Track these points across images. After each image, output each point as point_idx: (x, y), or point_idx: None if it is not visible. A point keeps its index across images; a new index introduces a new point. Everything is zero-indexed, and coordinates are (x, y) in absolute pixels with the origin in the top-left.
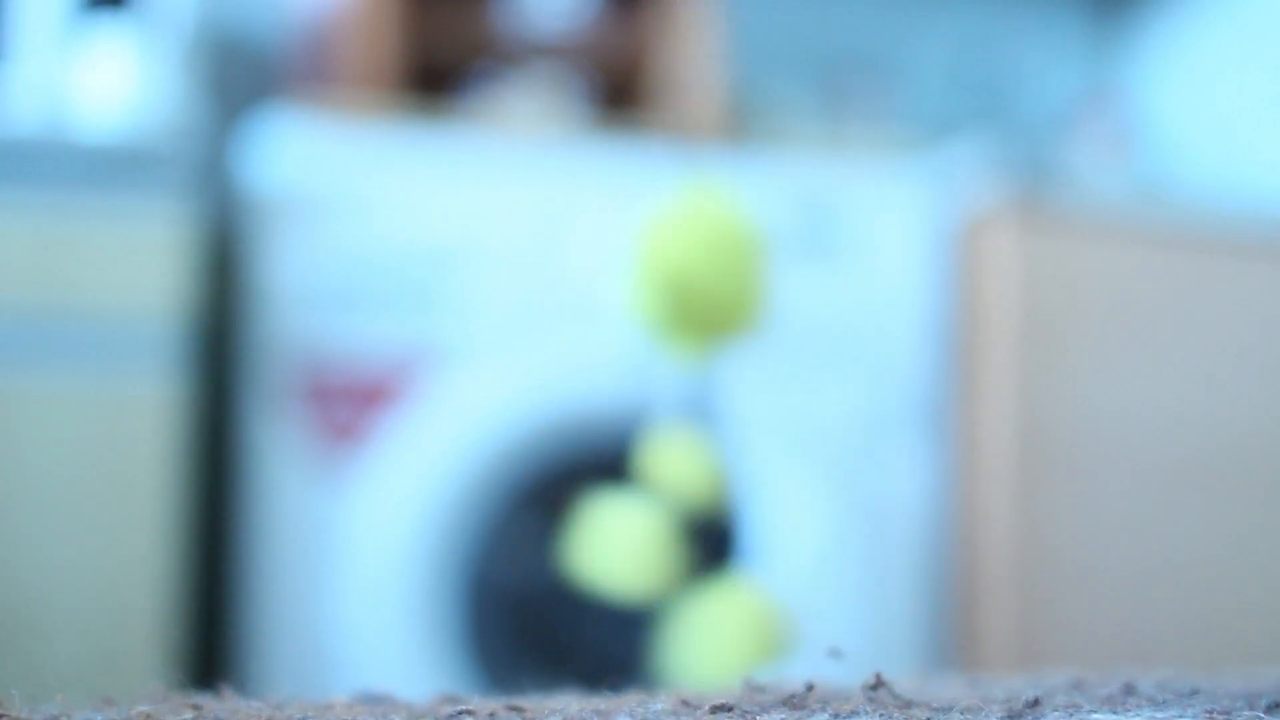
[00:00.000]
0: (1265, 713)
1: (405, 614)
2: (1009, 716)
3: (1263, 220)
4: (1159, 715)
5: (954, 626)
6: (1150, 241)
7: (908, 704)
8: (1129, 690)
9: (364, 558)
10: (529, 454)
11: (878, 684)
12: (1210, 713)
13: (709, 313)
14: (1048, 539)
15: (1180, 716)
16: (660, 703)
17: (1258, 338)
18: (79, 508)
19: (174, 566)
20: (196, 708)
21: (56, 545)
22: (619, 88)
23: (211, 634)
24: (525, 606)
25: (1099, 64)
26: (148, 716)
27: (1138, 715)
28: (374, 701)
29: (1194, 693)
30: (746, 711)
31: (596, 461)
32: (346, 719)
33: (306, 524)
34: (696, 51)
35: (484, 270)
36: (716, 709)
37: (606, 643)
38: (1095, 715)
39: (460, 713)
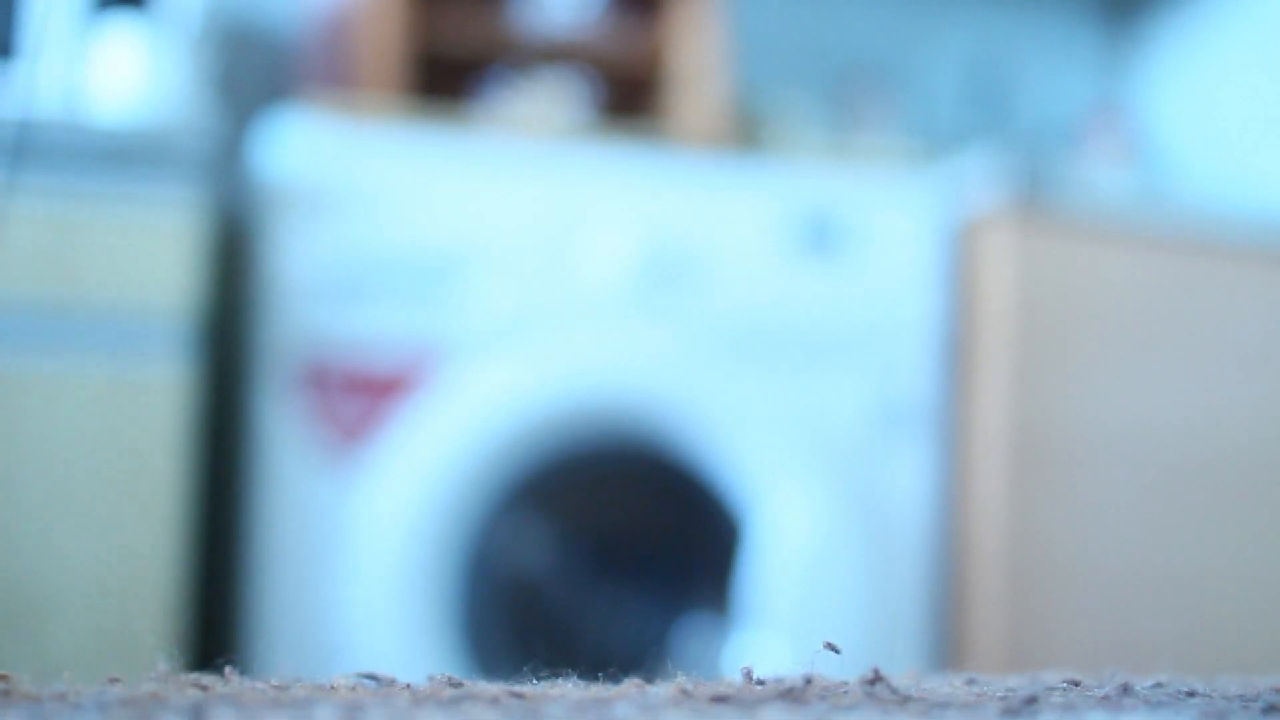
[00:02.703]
0: (1260, 714)
1: (409, 605)
2: (1006, 713)
3: (1262, 225)
4: (1155, 716)
5: (948, 628)
6: (1149, 245)
7: (905, 699)
8: (1125, 691)
9: (369, 549)
10: (534, 449)
11: (876, 679)
12: (1206, 714)
13: None
14: (1042, 542)
15: (1176, 717)
16: (660, 692)
17: (1256, 342)
18: (88, 494)
19: (181, 554)
20: (202, 688)
21: (65, 531)
22: (626, 91)
23: (217, 622)
24: (528, 599)
25: (1106, 77)
26: (154, 696)
27: (1133, 715)
28: (376, 684)
29: (1190, 694)
30: (745, 703)
31: (600, 457)
32: (349, 700)
33: (312, 515)
34: (704, 56)
35: (491, 268)
36: (715, 699)
37: (609, 635)
38: (1091, 714)
39: (461, 697)
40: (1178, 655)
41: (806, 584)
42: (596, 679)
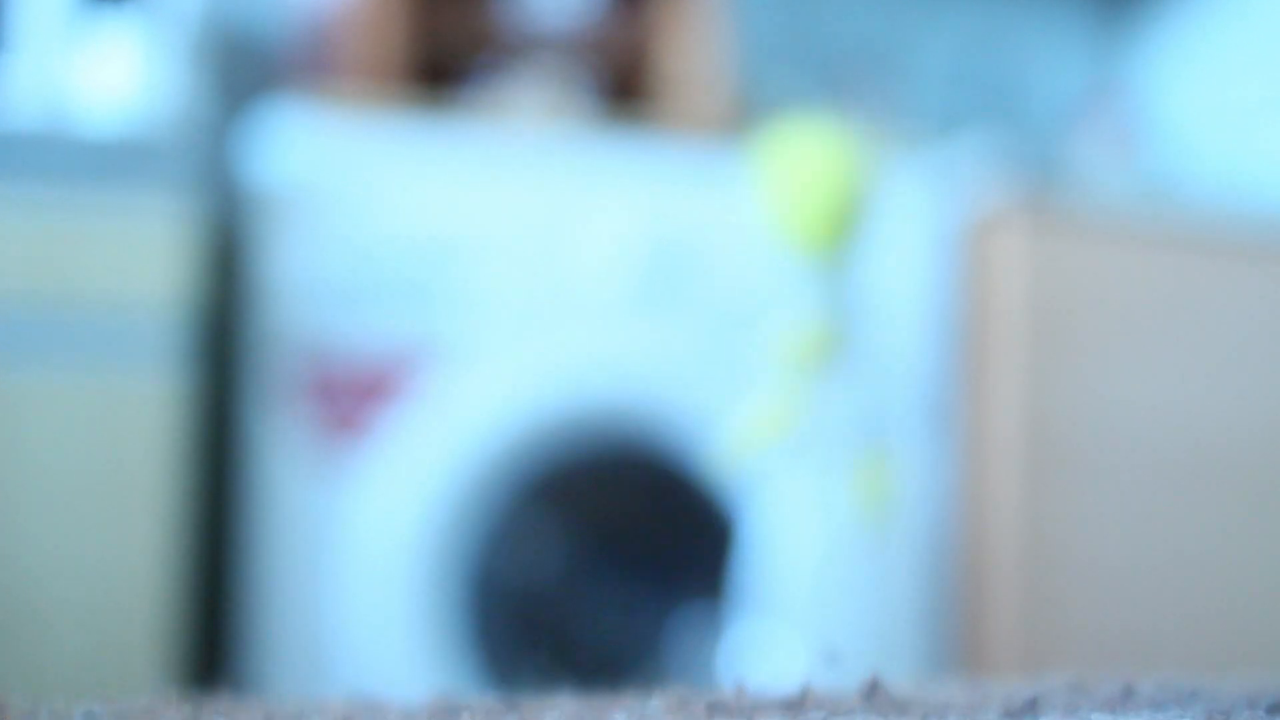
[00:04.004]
0: (1265, 714)
1: (407, 610)
2: (1006, 716)
3: (1271, 222)
4: (1158, 717)
5: (960, 626)
6: (1159, 243)
7: (903, 707)
8: (1128, 692)
9: (366, 553)
10: (532, 449)
11: (874, 687)
12: (1210, 715)
13: (836, 212)
14: (1054, 540)
15: (1179, 719)
16: (657, 702)
17: (1266, 339)
18: (80, 503)
19: (175, 562)
20: (195, 706)
21: (57, 540)
22: (624, 82)
23: (213, 629)
24: (528, 602)
25: (1104, 59)
26: (147, 715)
27: (1136, 717)
28: (369, 703)
29: (1193, 695)
30: (742, 713)
31: (600, 456)
32: (341, 718)
33: (308, 519)
34: (701, 46)
35: (488, 264)
36: (712, 710)
37: (610, 636)
38: (1094, 717)
39: (456, 710)
40: (1192, 648)
41: (816, 583)
42: (596, 683)
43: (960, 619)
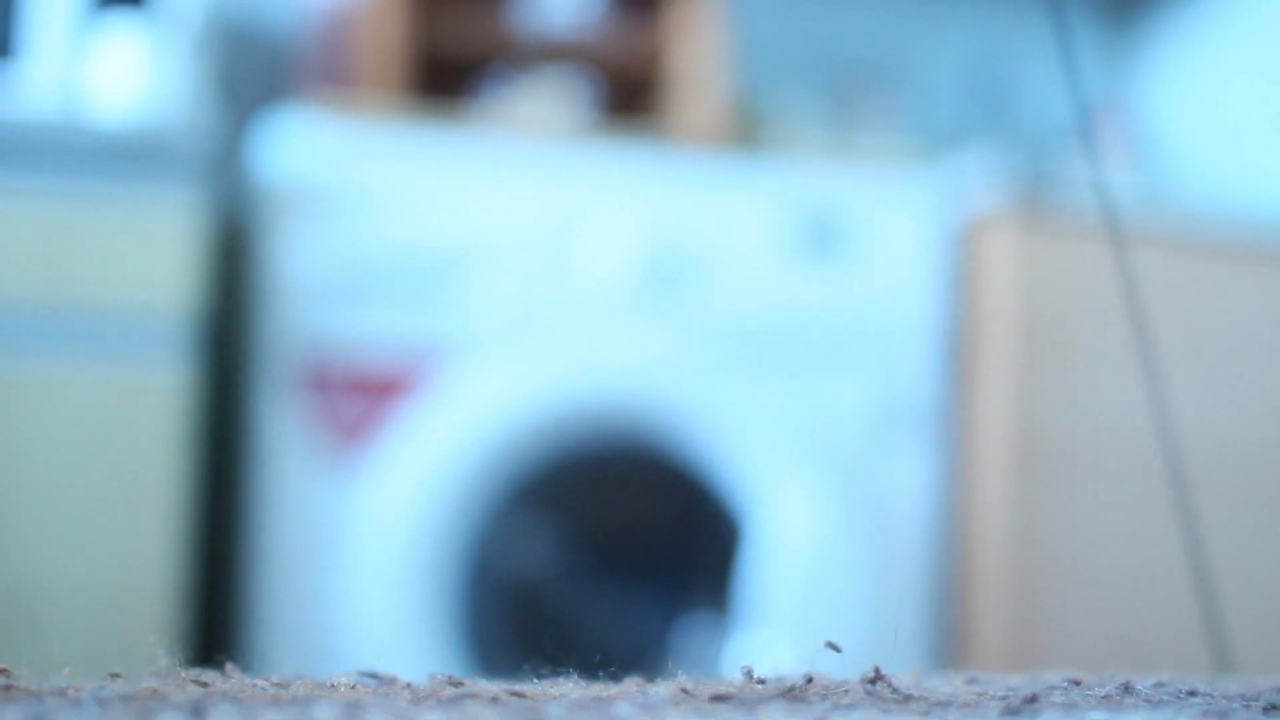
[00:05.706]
0: (1262, 714)
1: (409, 606)
2: (1007, 713)
3: (1266, 226)
4: (1156, 715)
5: (950, 629)
6: (1152, 246)
7: (906, 698)
8: (1126, 690)
9: (369, 551)
10: (535, 450)
11: (877, 677)
12: (1207, 714)
13: None
14: (1044, 543)
15: (1177, 717)
16: (661, 691)
17: (1259, 344)
18: (87, 495)
19: (180, 556)
20: (203, 684)
21: (64, 532)
22: (627, 91)
23: (217, 625)
24: (530, 599)
25: (1107, 75)
26: (155, 691)
27: (1134, 715)
28: (377, 682)
29: (1191, 693)
30: (746, 701)
31: (602, 458)
32: (349, 698)
33: (312, 516)
34: (705, 56)
35: (492, 268)
36: (716, 698)
37: (610, 635)
38: (1092, 714)
39: (462, 695)
40: (1181, 654)
41: (808, 584)
42: (598, 678)
43: (949, 620)
